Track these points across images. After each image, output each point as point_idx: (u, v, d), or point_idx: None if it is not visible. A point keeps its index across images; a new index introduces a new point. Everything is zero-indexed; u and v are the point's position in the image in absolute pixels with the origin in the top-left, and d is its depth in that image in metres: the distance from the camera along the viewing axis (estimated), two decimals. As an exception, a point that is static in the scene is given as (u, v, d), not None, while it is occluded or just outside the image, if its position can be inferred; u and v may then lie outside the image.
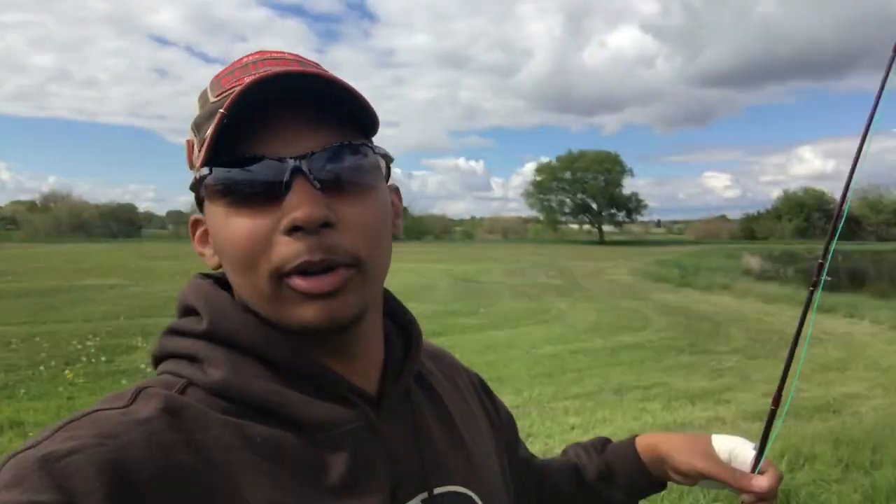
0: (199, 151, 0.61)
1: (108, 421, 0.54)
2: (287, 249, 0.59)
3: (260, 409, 0.61)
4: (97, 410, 0.55)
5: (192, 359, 0.63)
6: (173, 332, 0.66)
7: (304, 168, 0.59)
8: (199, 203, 0.65)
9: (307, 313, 0.60)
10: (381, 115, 0.64)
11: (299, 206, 0.58)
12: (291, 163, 0.59)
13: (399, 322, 0.78)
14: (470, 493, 0.72)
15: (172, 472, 0.52)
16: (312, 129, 0.61)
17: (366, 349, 0.70)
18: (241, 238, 0.60)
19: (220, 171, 0.60)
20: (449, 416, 0.78)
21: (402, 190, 0.76)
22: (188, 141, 0.66)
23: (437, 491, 0.68)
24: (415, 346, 0.76)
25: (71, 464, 0.49)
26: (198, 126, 0.64)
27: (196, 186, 0.63)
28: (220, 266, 0.66)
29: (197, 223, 0.69)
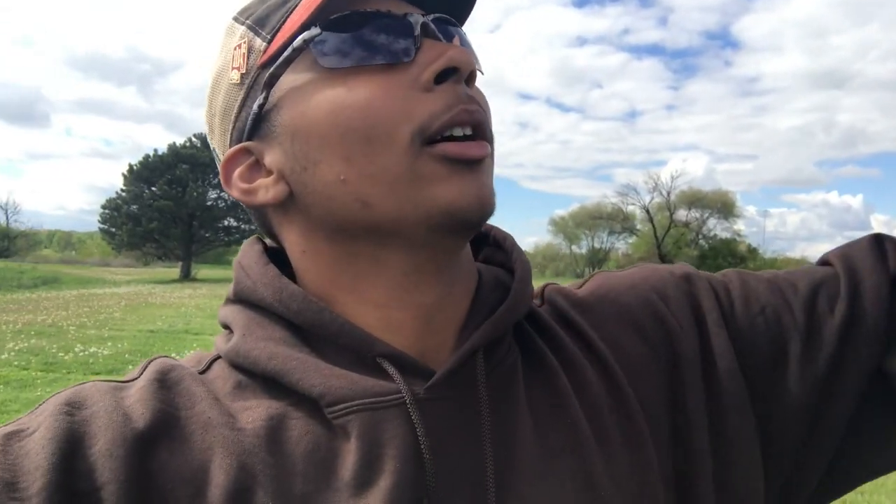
0: (271, 38, 0.51)
1: (91, 391, 0.49)
2: (437, 101, 0.48)
3: (265, 378, 0.50)
4: (99, 381, 0.51)
5: (226, 327, 0.56)
6: (225, 300, 0.58)
7: (432, 25, 0.51)
8: (257, 118, 0.52)
9: (455, 189, 0.47)
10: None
11: (447, 48, 0.49)
12: (420, 18, 0.50)
13: (501, 263, 0.60)
14: None
15: (130, 443, 0.45)
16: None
17: (457, 292, 0.53)
18: (373, 97, 0.48)
19: (331, 34, 0.49)
20: (566, 405, 0.52)
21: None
22: (236, 46, 0.54)
23: None
24: (512, 297, 0.54)
25: (32, 440, 0.45)
26: (262, 19, 0.53)
27: (295, 53, 0.50)
28: (281, 198, 0.52)
29: (235, 157, 0.54)
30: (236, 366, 0.52)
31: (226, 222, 38.92)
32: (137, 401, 0.48)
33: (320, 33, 0.49)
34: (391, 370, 0.49)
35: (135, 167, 37.10)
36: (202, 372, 0.53)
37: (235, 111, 0.53)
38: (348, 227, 0.50)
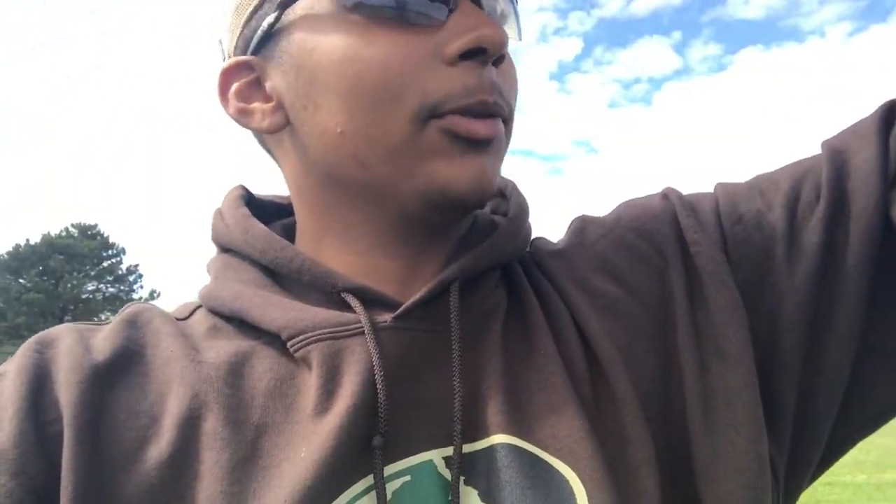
0: None
1: (62, 330, 0.50)
2: (456, 81, 0.45)
3: (235, 319, 0.51)
4: (73, 323, 0.52)
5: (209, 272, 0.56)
6: None
7: None
8: (265, 36, 0.49)
9: (457, 169, 0.45)
10: None
11: (481, 24, 0.45)
12: None
13: (503, 212, 0.58)
14: (532, 448, 0.45)
15: (87, 375, 0.45)
16: None
17: (442, 242, 0.53)
18: (390, 58, 0.45)
19: None
20: (545, 352, 0.49)
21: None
22: None
23: (472, 446, 0.45)
24: (497, 234, 0.53)
25: (5, 379, 0.46)
26: None
27: None
28: (276, 129, 0.51)
29: (236, 69, 0.51)
30: (211, 309, 0.52)
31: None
32: (103, 338, 0.49)
33: None
34: (353, 302, 0.48)
35: (2, 257, 34.50)
36: (183, 318, 0.53)
37: (248, 14, 0.50)
38: (341, 180, 0.49)
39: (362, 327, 0.46)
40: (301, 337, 0.47)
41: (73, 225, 36.41)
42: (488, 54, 0.45)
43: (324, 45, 0.47)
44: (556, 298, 0.52)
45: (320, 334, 0.46)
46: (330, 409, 0.45)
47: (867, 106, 0.51)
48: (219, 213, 0.56)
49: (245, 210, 0.54)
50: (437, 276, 0.50)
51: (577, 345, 0.50)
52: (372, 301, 0.48)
